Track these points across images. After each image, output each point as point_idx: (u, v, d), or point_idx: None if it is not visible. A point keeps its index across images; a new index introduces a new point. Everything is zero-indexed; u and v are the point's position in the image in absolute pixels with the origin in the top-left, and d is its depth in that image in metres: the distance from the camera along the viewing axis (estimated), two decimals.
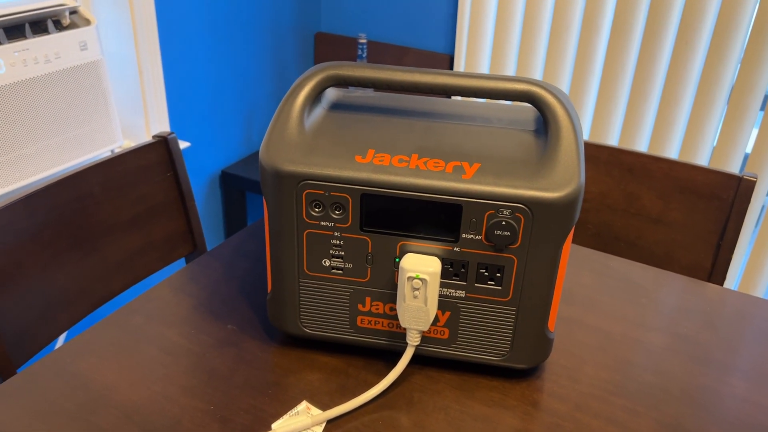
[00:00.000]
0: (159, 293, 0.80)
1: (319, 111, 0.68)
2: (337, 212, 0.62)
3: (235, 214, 2.15)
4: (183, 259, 1.07)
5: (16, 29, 1.20)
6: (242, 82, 2.07)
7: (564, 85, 2.01)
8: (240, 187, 2.06)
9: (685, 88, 1.82)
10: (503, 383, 0.68)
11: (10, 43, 1.16)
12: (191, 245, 1.09)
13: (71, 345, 0.71)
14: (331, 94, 0.73)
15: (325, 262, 0.65)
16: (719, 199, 0.98)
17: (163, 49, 1.68)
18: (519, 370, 0.70)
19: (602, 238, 1.09)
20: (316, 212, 0.63)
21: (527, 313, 0.64)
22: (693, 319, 0.79)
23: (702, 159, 1.88)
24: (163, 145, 1.01)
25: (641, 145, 1.95)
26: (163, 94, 1.67)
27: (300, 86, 0.65)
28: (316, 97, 0.66)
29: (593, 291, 0.84)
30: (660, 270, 0.89)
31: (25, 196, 0.83)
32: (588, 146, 1.08)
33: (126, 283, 0.97)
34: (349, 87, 1.25)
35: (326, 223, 0.63)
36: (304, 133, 0.64)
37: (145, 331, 0.73)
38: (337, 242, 0.64)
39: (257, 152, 2.21)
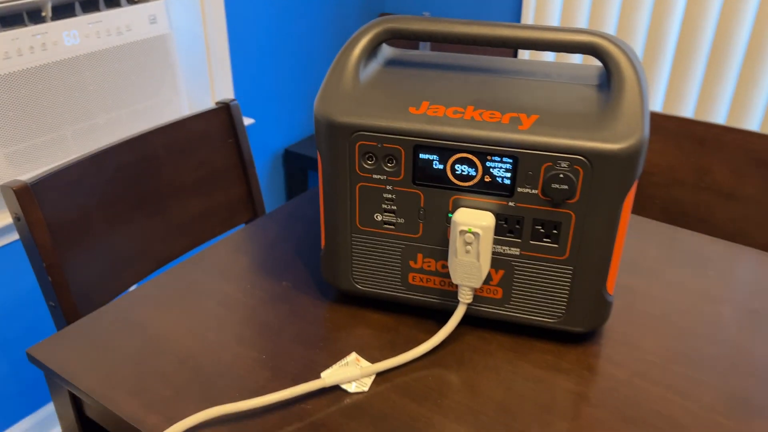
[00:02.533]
0: (217, 251, 0.81)
1: (375, 66, 0.68)
2: (389, 165, 0.62)
3: (297, 192, 2.18)
4: (243, 225, 1.08)
5: (90, 3, 1.24)
6: (306, 61, 2.09)
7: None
8: (302, 165, 2.08)
9: (766, 59, 1.72)
10: (558, 347, 0.66)
11: (84, 15, 1.21)
12: (251, 212, 1.11)
13: (132, 295, 0.73)
14: (387, 51, 0.73)
15: (377, 216, 0.65)
16: None
17: (229, 27, 1.71)
18: (575, 334, 0.67)
19: (670, 213, 1.04)
20: (368, 165, 0.62)
21: (585, 273, 0.62)
22: (765, 293, 0.75)
23: None
24: (225, 111, 1.03)
25: (719, 117, 1.85)
26: (229, 71, 1.71)
27: (356, 39, 0.65)
28: (372, 51, 0.65)
29: (658, 262, 0.80)
30: (731, 243, 0.84)
31: (94, 154, 0.86)
32: (656, 117, 1.03)
33: (187, 245, 1.00)
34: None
35: (379, 176, 0.63)
36: (358, 86, 0.64)
37: (202, 284, 0.75)
38: (390, 196, 0.63)
39: None
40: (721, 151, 0.98)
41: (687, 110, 1.91)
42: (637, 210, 1.08)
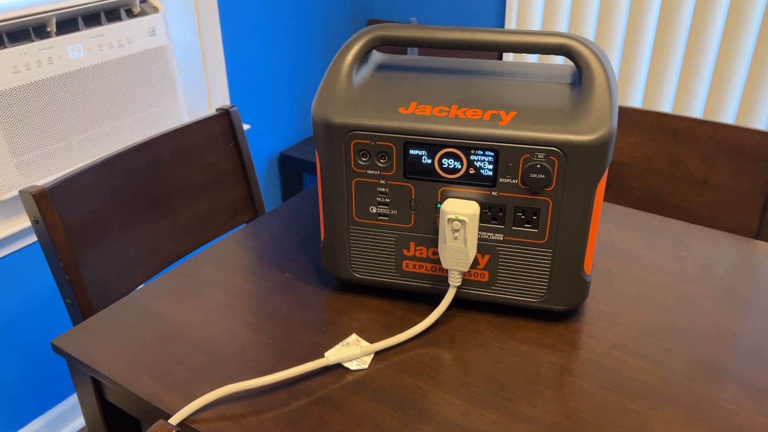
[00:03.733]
0: (224, 247, 0.87)
1: (366, 71, 0.74)
2: (382, 161, 0.67)
3: (293, 194, 2.24)
4: (244, 224, 1.14)
5: (92, 17, 1.30)
6: (299, 68, 2.15)
7: (614, 58, 2.00)
8: (297, 168, 2.14)
9: (739, 55, 1.79)
10: (542, 325, 0.72)
11: (87, 29, 1.27)
12: (252, 212, 1.16)
13: (147, 288, 0.79)
14: (378, 56, 0.78)
15: (372, 209, 0.70)
16: (765, 159, 0.98)
17: (224, 37, 1.77)
18: (557, 313, 0.73)
19: (647, 202, 1.11)
20: (363, 161, 0.68)
21: (563, 255, 0.67)
22: (735, 272, 0.81)
23: (760, 125, 1.85)
24: (225, 117, 1.09)
25: (695, 112, 1.93)
26: (225, 79, 1.76)
27: (348, 47, 0.71)
28: (363, 57, 0.71)
29: (635, 246, 0.86)
30: (704, 228, 0.90)
31: (106, 159, 0.92)
32: (632, 112, 1.10)
33: (193, 244, 1.06)
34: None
35: (373, 172, 0.68)
36: (352, 89, 0.69)
37: (212, 277, 0.81)
38: (383, 190, 0.69)
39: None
40: (694, 142, 1.04)
41: (665, 105, 1.98)
42: (616, 199, 1.14)
